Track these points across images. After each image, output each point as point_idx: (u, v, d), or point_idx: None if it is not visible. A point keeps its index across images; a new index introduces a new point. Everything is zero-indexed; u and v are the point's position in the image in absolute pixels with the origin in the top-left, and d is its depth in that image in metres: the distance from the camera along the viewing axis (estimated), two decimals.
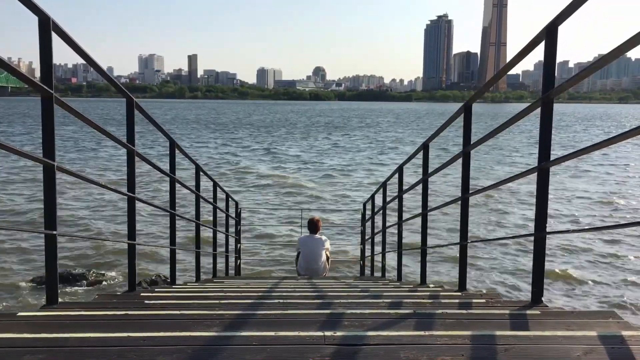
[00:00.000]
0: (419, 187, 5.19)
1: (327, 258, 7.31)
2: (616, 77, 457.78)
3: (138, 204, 4.02)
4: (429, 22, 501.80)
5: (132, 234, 3.94)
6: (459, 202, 4.10)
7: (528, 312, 2.76)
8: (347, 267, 10.93)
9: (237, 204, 9.49)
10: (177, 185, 5.00)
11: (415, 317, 2.68)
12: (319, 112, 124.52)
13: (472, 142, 3.77)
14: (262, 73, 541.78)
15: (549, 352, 2.05)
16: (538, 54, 2.87)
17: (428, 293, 3.92)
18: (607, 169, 25.01)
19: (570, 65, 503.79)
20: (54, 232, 2.80)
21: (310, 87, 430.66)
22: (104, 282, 9.48)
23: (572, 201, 17.40)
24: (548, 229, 2.92)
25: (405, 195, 6.00)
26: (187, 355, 2.02)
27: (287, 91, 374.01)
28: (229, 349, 2.10)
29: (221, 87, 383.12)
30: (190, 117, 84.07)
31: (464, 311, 2.84)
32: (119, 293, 4.37)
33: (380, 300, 3.28)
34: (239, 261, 9.21)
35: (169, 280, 6.23)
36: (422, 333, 2.28)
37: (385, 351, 2.05)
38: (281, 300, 3.31)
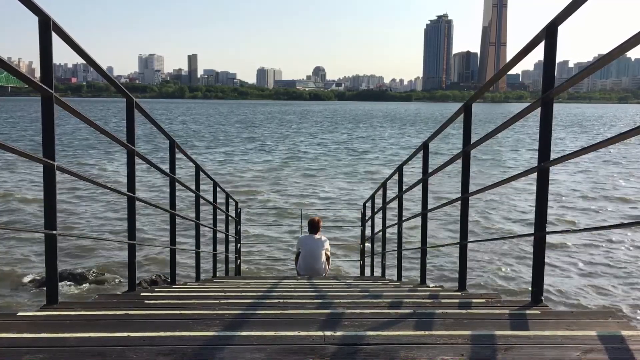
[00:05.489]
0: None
1: (327, 258, 7.31)
2: (616, 77, 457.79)
3: (138, 204, 4.02)
4: (428, 22, 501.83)
5: (132, 233, 3.94)
6: (459, 202, 4.10)
7: (528, 312, 2.76)
8: (347, 267, 10.93)
9: (237, 203, 9.49)
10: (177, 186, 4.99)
11: (415, 317, 2.67)
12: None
13: (472, 142, 3.77)
14: (262, 73, 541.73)
15: (549, 352, 2.05)
16: (538, 53, 2.87)
17: (428, 293, 3.92)
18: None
19: (570, 65, 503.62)
20: (54, 232, 2.80)
21: (310, 87, 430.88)
22: (104, 282, 9.48)
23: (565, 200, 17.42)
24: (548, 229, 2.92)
25: (405, 196, 6.00)
26: (187, 355, 2.02)
27: (287, 91, 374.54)
28: (228, 349, 2.10)
29: (221, 87, 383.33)
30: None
31: (464, 311, 2.84)
32: (119, 293, 4.37)
33: (380, 300, 3.28)
34: (239, 261, 9.21)
35: (169, 280, 6.23)
36: (422, 333, 2.29)
37: (385, 351, 2.05)
38: (281, 300, 3.31)
